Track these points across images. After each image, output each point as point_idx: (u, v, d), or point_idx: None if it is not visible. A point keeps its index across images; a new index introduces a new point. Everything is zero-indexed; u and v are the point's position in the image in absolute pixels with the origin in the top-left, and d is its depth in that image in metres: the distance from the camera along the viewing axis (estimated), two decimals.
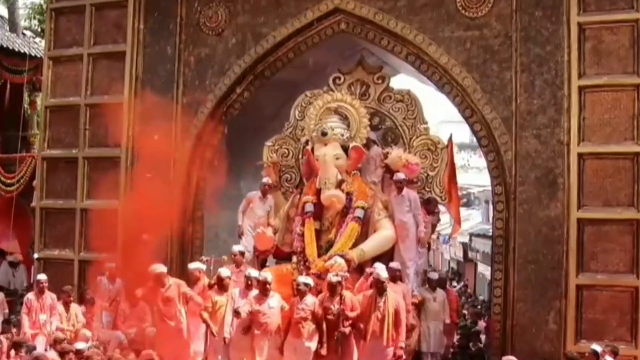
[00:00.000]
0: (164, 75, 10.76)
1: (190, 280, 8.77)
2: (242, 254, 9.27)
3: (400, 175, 9.40)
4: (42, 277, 9.61)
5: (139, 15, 10.89)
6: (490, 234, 11.18)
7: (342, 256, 8.74)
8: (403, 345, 7.85)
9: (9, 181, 13.21)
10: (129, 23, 10.88)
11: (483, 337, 10.75)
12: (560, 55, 8.90)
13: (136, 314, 9.27)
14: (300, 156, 10.35)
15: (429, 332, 9.29)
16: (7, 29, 16.55)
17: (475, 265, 20.72)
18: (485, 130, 9.40)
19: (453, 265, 25.54)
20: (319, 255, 9.04)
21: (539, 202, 8.92)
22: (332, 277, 7.92)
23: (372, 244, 9.13)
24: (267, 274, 8.23)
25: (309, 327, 7.80)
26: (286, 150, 10.53)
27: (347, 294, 7.93)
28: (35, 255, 11.30)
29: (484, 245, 17.68)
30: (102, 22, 11.15)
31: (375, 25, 9.85)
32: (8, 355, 8.29)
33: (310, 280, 8.16)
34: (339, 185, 9.30)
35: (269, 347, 8.00)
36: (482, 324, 11.40)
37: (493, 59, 9.28)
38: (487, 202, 19.44)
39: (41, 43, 15.50)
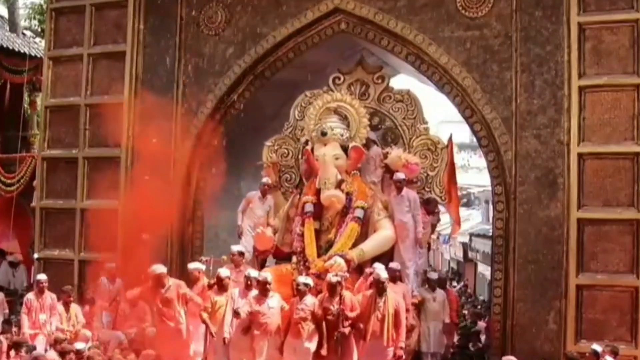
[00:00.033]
0: (164, 75, 10.76)
1: (190, 280, 8.76)
2: (240, 254, 9.24)
3: (400, 175, 9.40)
4: (42, 277, 9.60)
5: (139, 15, 10.89)
6: (490, 234, 11.18)
7: (341, 256, 8.73)
8: (403, 345, 7.84)
9: (9, 181, 13.21)
10: (129, 23, 10.88)
11: (483, 337, 10.75)
12: (560, 55, 8.90)
13: (136, 314, 9.26)
14: (300, 156, 10.34)
15: (428, 332, 9.29)
16: (7, 29, 16.55)
17: (475, 265, 20.72)
18: (485, 130, 9.41)
19: (453, 265, 25.54)
20: (319, 256, 9.04)
21: (539, 202, 8.92)
22: (331, 277, 7.90)
23: (372, 244, 9.12)
24: (267, 274, 8.22)
25: (308, 327, 7.79)
26: (286, 150, 10.53)
27: (346, 294, 7.92)
28: (35, 255, 11.30)
29: (484, 245, 17.67)
30: (102, 22, 11.15)
31: (375, 25, 9.85)
32: (8, 356, 8.28)
33: (310, 281, 8.15)
34: (338, 185, 9.30)
35: (269, 347, 7.98)
36: (482, 324, 11.39)
37: (493, 59, 9.28)
38: (487, 202, 19.43)
39: (41, 43, 15.51)
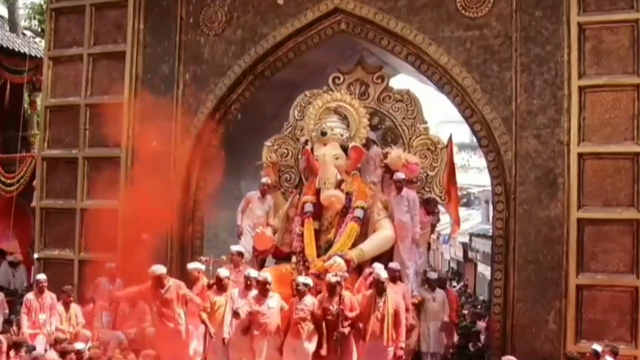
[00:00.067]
0: (164, 75, 10.77)
1: (189, 280, 8.75)
2: (239, 254, 9.23)
3: (400, 175, 9.39)
4: (42, 276, 9.61)
5: (139, 15, 10.89)
6: (490, 234, 11.18)
7: (341, 256, 8.72)
8: (403, 345, 7.84)
9: (9, 181, 13.21)
10: (129, 23, 10.89)
11: (483, 337, 10.74)
12: (560, 55, 8.89)
13: (136, 314, 9.25)
14: (299, 156, 10.34)
15: (428, 332, 9.29)
16: (7, 29, 16.55)
17: (475, 265, 20.73)
18: (485, 130, 9.40)
19: (453, 265, 25.55)
20: (318, 256, 9.02)
21: (539, 202, 8.92)
22: (331, 277, 7.90)
23: (372, 244, 9.11)
24: (267, 274, 8.21)
25: (308, 327, 7.79)
26: (285, 150, 10.52)
27: (346, 294, 7.92)
28: (35, 255, 11.31)
29: (484, 245, 17.68)
30: (102, 22, 11.15)
31: (375, 25, 9.85)
32: (8, 356, 8.28)
33: (309, 281, 8.14)
34: (338, 185, 9.29)
35: (268, 347, 7.97)
36: (481, 324, 11.38)
37: (493, 59, 9.28)
38: (487, 202, 19.43)
39: (41, 43, 15.51)
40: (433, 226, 10.41)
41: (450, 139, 10.17)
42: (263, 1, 10.35)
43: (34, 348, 8.39)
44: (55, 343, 8.42)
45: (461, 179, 15.21)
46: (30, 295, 9.43)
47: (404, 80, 12.61)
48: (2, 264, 13.07)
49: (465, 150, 28.54)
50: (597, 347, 7.88)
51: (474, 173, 26.17)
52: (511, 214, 9.08)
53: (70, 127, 11.22)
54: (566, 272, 8.67)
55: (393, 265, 8.76)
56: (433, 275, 9.90)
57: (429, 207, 9.81)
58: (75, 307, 9.59)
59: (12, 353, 8.24)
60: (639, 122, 8.59)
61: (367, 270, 8.54)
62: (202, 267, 9.06)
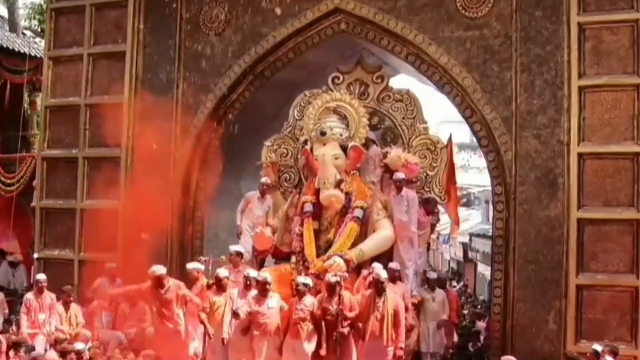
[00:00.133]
0: (164, 75, 10.77)
1: (189, 280, 8.75)
2: (238, 254, 9.19)
3: (400, 175, 9.38)
4: (41, 276, 9.61)
5: (139, 15, 10.89)
6: (490, 234, 11.17)
7: (341, 256, 8.71)
8: (403, 345, 7.83)
9: (9, 181, 13.21)
10: (129, 23, 10.89)
11: (483, 337, 10.73)
12: (560, 55, 8.89)
13: (136, 314, 9.25)
14: (299, 156, 10.33)
15: (428, 333, 9.28)
16: (7, 29, 16.56)
17: (475, 265, 20.72)
18: (485, 130, 9.40)
19: (453, 265, 25.54)
20: (318, 255, 9.01)
21: (539, 202, 8.92)
22: (330, 277, 7.89)
23: (371, 244, 9.11)
24: (266, 274, 8.21)
25: (307, 327, 7.78)
26: (285, 150, 10.51)
27: (345, 294, 7.91)
28: (35, 255, 11.31)
29: (484, 245, 17.67)
30: (102, 22, 11.16)
31: (375, 25, 9.85)
32: (7, 356, 8.27)
33: (309, 281, 8.13)
34: (338, 185, 9.29)
35: (268, 347, 7.96)
36: (481, 324, 11.38)
37: (493, 59, 9.28)
38: (487, 202, 19.43)
39: (41, 43, 15.50)
40: (433, 226, 10.40)
41: (450, 139, 10.16)
42: (263, 1, 10.35)
43: (33, 348, 8.39)
44: (55, 343, 8.41)
45: (461, 179, 15.22)
46: (29, 295, 9.43)
47: (404, 80, 12.60)
48: (2, 264, 13.08)
49: (465, 150, 28.54)
50: (598, 347, 7.87)
51: (474, 173, 26.18)
52: (511, 214, 9.08)
53: (70, 127, 11.22)
54: (566, 272, 8.67)
55: (393, 265, 8.75)
56: (433, 275, 9.89)
57: (429, 207, 9.80)
58: (75, 307, 9.58)
59: (11, 353, 8.23)
60: (639, 122, 8.58)
61: (364, 272, 8.55)
62: (202, 267, 9.05)
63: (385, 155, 9.79)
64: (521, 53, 9.10)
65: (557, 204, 8.82)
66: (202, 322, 8.22)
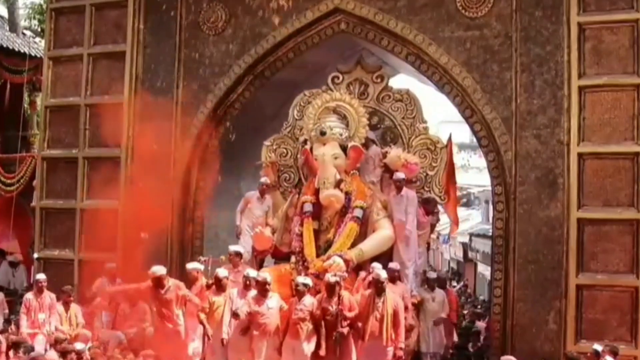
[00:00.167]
0: (164, 75, 10.76)
1: (189, 280, 8.75)
2: (237, 254, 9.18)
3: (400, 175, 9.38)
4: (41, 276, 9.61)
5: (139, 15, 10.89)
6: (490, 234, 11.17)
7: (340, 256, 8.71)
8: (402, 345, 7.83)
9: (9, 181, 13.22)
10: (129, 23, 10.89)
11: (482, 337, 10.73)
12: (560, 55, 8.89)
13: (136, 314, 9.25)
14: (298, 156, 10.33)
15: (428, 333, 9.28)
16: (7, 29, 16.56)
17: (475, 265, 20.73)
18: (485, 130, 9.40)
19: (453, 265, 25.55)
20: (318, 255, 9.01)
21: (539, 202, 8.92)
22: (330, 277, 7.88)
23: (371, 244, 9.10)
24: (266, 274, 8.20)
25: (307, 327, 7.77)
26: (285, 150, 10.50)
27: (345, 294, 7.90)
28: (35, 255, 11.31)
29: (484, 245, 17.68)
30: (102, 22, 11.15)
31: (375, 25, 9.84)
32: (7, 356, 8.27)
33: (309, 281, 8.12)
34: (337, 185, 9.28)
35: (268, 347, 7.95)
36: (481, 324, 11.38)
37: (493, 59, 9.27)
38: (487, 202, 19.43)
39: (41, 43, 15.51)
40: (433, 226, 10.39)
41: (450, 139, 10.16)
42: (263, 1, 10.35)
43: (32, 348, 8.37)
44: (55, 343, 8.41)
45: (461, 179, 15.22)
46: (29, 295, 9.43)
47: (404, 80, 12.60)
48: (2, 264, 13.08)
49: (465, 150, 28.54)
50: (598, 347, 7.87)
51: (474, 173, 26.18)
52: (511, 214, 9.08)
53: (70, 127, 11.22)
54: (566, 272, 8.67)
55: (392, 265, 8.75)
56: (432, 275, 9.88)
57: (429, 206, 9.79)
58: (75, 307, 9.58)
59: (11, 353, 8.23)
60: (639, 122, 8.58)
61: (362, 273, 8.55)
62: (201, 267, 9.05)
63: (385, 155, 9.79)
64: (521, 53, 9.09)
65: (557, 204, 8.81)
66: (201, 323, 8.22)
